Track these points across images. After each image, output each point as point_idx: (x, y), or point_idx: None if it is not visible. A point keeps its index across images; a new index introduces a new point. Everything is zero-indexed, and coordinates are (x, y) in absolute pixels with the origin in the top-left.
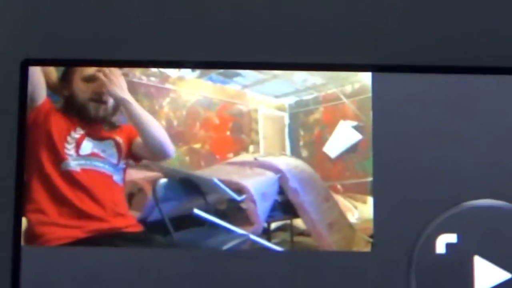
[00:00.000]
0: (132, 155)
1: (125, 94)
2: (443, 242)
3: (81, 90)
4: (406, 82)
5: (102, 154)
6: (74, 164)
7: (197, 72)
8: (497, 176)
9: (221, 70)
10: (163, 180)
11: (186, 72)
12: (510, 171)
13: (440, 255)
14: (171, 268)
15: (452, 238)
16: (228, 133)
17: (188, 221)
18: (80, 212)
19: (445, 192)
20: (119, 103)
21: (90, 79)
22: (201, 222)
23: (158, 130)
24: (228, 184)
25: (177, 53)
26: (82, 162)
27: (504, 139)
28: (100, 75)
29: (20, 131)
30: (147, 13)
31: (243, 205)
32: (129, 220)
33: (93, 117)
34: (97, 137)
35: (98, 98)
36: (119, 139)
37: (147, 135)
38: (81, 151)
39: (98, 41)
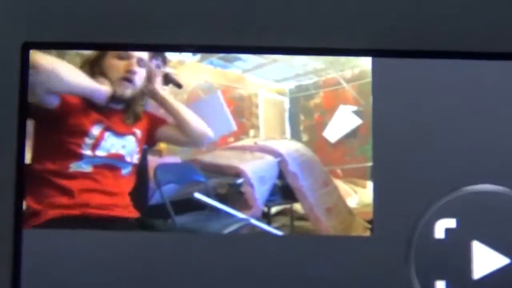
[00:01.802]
0: (152, 141)
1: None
2: (442, 227)
3: (114, 67)
4: (406, 67)
5: (120, 152)
6: (86, 165)
7: (198, 56)
8: (497, 161)
9: (222, 54)
10: (164, 164)
11: (186, 56)
12: (510, 156)
13: (439, 240)
14: (171, 252)
15: (451, 223)
16: None
17: (189, 205)
18: (82, 202)
19: (445, 177)
20: (154, 97)
21: (124, 56)
22: (202, 206)
23: (194, 117)
24: (227, 169)
25: (178, 37)
26: (96, 160)
27: (504, 125)
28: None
29: (21, 117)
30: None
31: (242, 189)
32: (129, 209)
33: (119, 99)
34: (118, 132)
35: (129, 76)
36: (139, 132)
37: (185, 124)
38: (99, 151)
39: (98, 24)
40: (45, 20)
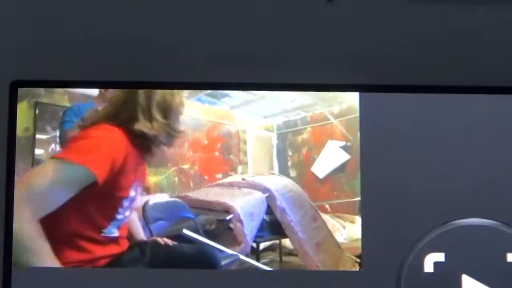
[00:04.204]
0: None
1: None
2: (431, 261)
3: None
4: (393, 101)
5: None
6: (114, 229)
7: (186, 93)
8: (484, 195)
9: (209, 91)
10: (153, 202)
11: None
12: (497, 189)
13: (428, 273)
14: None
15: (440, 257)
16: (216, 153)
17: (178, 241)
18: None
19: (433, 211)
20: None
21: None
22: (191, 242)
23: None
24: (216, 205)
25: (166, 74)
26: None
27: (491, 158)
28: None
29: (9, 154)
30: (136, 36)
31: (231, 225)
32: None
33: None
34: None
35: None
36: None
37: None
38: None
39: (88, 63)
40: (33, 59)
